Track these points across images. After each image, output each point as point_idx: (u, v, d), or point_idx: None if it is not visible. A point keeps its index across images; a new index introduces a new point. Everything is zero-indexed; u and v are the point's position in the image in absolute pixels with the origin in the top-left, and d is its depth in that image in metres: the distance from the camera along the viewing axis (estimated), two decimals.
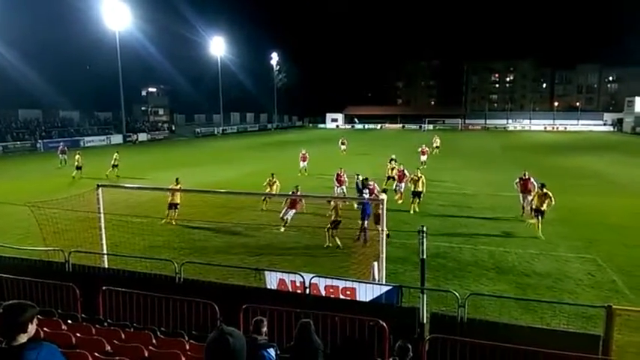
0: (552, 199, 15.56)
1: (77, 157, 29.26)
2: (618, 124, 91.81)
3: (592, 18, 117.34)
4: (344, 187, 20.83)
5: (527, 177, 18.22)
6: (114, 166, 28.98)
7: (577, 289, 11.27)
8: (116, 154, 29.83)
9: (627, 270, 12.42)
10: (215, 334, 2.62)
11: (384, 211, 9.89)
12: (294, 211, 16.29)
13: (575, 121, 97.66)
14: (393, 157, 26.94)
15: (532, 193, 17.13)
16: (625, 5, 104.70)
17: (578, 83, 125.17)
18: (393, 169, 23.89)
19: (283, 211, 16.32)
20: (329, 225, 14.45)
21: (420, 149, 34.64)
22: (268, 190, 18.91)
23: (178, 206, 17.16)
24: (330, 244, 14.18)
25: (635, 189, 24.79)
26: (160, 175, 28.92)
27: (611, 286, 11.40)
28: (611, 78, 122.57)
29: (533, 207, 15.97)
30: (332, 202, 14.93)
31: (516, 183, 18.79)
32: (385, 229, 10.11)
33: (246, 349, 5.23)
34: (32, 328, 3.34)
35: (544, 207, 15.52)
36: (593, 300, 10.31)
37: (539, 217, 15.61)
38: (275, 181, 19.32)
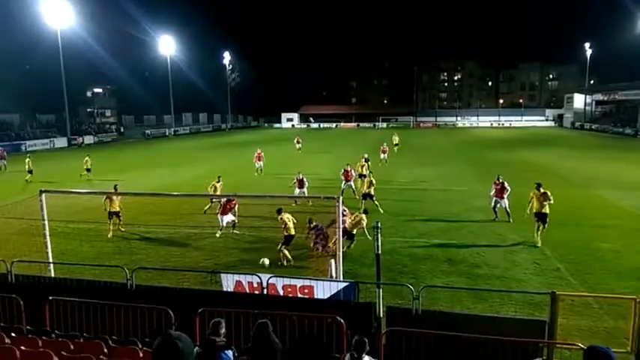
0: (551, 198, 14.22)
1: (27, 160, 29.43)
2: (559, 119, 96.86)
3: (532, 19, 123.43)
4: (305, 189, 19.99)
5: (500, 181, 17.18)
6: (87, 169, 29.19)
7: (524, 277, 11.82)
8: (87, 157, 29.96)
9: (570, 257, 13.13)
10: (162, 340, 2.54)
11: (341, 216, 9.97)
12: (227, 217, 15.52)
13: (519, 118, 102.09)
14: (366, 156, 27.26)
15: (505, 198, 16.86)
16: (562, 7, 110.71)
17: (521, 81, 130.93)
18: (363, 166, 24.08)
19: (219, 219, 15.66)
20: (280, 242, 12.93)
21: (381, 148, 35.11)
22: (212, 192, 18.33)
23: (120, 214, 16.04)
24: (285, 263, 12.72)
25: (575, 180, 26.23)
26: (107, 178, 27.92)
27: (556, 274, 12.01)
28: (551, 76, 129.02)
29: (534, 211, 14.48)
30: (281, 217, 13.06)
31: (492, 190, 17.55)
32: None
33: (204, 350, 5.19)
34: None
35: (545, 209, 14.17)
36: (539, 287, 10.82)
37: (542, 223, 14.20)
38: (221, 184, 18.83)
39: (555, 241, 14.50)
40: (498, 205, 17.19)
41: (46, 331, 7.50)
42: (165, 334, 2.58)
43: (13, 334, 6.91)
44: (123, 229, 16.23)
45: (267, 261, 10.98)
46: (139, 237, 15.83)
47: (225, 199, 15.90)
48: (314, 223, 13.07)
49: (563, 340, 7.22)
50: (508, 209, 16.89)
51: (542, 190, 14.40)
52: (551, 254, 13.44)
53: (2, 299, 8.03)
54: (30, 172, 28.76)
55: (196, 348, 5.35)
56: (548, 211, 14.24)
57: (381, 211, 18.47)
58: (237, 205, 16.15)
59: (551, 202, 14.26)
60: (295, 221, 13.15)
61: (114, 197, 15.72)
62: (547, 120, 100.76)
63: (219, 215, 15.70)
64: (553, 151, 44.39)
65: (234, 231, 15.79)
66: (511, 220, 16.72)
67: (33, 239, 11.80)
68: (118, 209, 15.95)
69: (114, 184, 17.33)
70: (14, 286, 8.71)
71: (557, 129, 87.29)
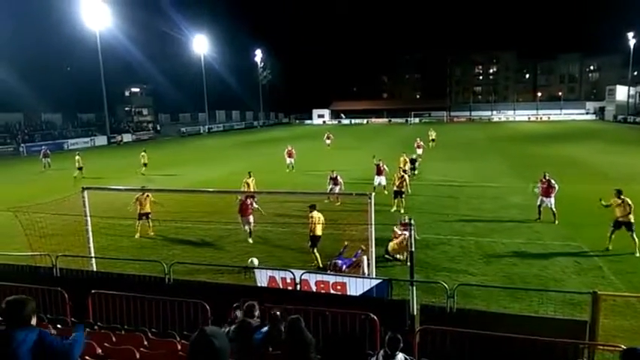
0: (632, 206, 13.04)
1: (77, 157, 30.45)
2: (600, 112, 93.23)
3: (571, 7, 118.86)
4: (339, 188, 19.33)
5: (547, 179, 16.31)
6: (145, 164, 30.41)
7: (563, 276, 11.46)
8: (143, 152, 31.19)
9: (612, 256, 12.66)
10: (198, 337, 2.61)
11: (372, 211, 9.92)
12: (248, 219, 15.04)
13: (558, 111, 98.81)
14: (413, 156, 27.28)
15: (552, 197, 16.09)
16: None
17: (560, 73, 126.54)
18: (405, 162, 24.03)
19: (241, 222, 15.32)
20: (308, 242, 12.64)
21: (415, 143, 34.66)
22: (245, 189, 18.53)
23: (150, 215, 15.98)
24: (318, 263, 12.37)
25: (615, 175, 25.17)
26: (159, 173, 29.10)
27: (597, 273, 11.60)
28: (592, 67, 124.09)
29: (613, 218, 13.36)
30: (311, 215, 12.60)
31: (538, 187, 16.75)
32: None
33: (241, 333, 5.40)
34: (34, 321, 3.75)
35: (628, 218, 12.96)
36: (579, 286, 10.48)
37: (632, 232, 12.95)
38: (253, 179, 19.02)
39: (596, 239, 13.98)
40: (544, 205, 16.31)
41: (89, 323, 7.78)
42: (201, 331, 2.65)
43: (58, 326, 7.22)
44: (152, 233, 16.05)
45: (255, 260, 10.90)
46: (176, 233, 16.21)
47: (241, 196, 15.57)
48: (339, 262, 11.55)
49: (604, 341, 6.98)
50: (554, 209, 16.05)
51: (622, 198, 13.25)
52: (592, 252, 13.00)
53: (48, 292, 8.39)
54: (80, 169, 29.47)
55: (233, 326, 5.60)
56: (632, 220, 12.98)
57: (401, 211, 17.92)
58: (256, 199, 15.83)
59: (632, 210, 13.03)
60: (325, 223, 12.74)
61: (143, 200, 15.73)
62: (587, 113, 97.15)
63: (240, 217, 15.28)
64: (593, 145, 42.77)
65: (250, 240, 15.07)
66: (557, 222, 15.89)
67: (75, 235, 12.26)
68: (148, 210, 15.90)
69: (141, 186, 17.40)
70: (59, 279, 9.08)
71: (599, 122, 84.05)
